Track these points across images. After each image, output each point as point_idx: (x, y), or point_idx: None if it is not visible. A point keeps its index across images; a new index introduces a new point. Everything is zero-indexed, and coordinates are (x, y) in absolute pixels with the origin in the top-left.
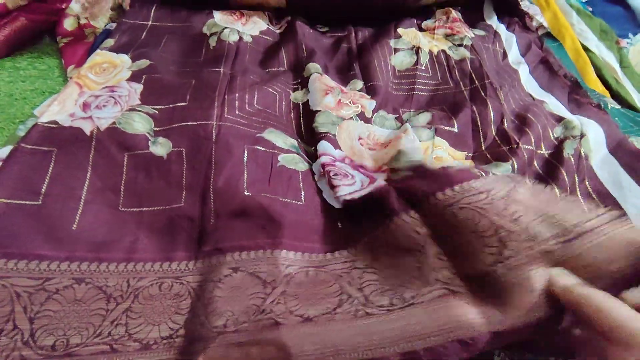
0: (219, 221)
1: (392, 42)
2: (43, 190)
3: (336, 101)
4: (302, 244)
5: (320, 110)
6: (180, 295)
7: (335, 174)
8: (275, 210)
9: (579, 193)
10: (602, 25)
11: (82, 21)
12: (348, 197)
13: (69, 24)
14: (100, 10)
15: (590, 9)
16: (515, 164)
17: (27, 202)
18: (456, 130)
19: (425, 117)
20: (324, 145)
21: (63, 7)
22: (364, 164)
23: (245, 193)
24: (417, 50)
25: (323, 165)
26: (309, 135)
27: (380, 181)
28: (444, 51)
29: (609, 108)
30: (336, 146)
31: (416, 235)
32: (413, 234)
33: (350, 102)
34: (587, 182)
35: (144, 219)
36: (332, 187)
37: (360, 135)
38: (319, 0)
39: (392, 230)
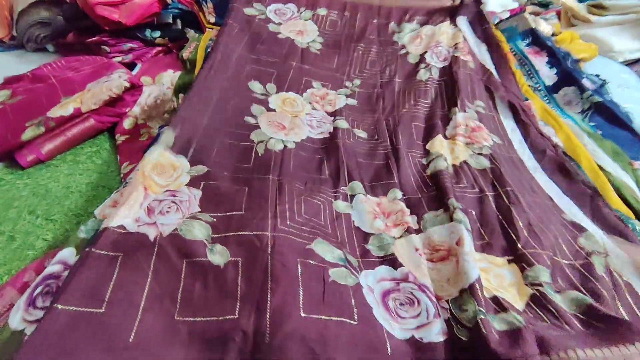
0: (274, 340)
1: (424, 160)
2: (107, 297)
3: (384, 224)
4: None
5: (373, 234)
6: None
7: (401, 304)
8: (330, 334)
9: (621, 309)
10: (613, 147)
11: (140, 122)
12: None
13: (127, 124)
14: (157, 113)
15: (600, 132)
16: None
17: (92, 310)
18: (487, 240)
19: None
20: (381, 271)
21: (126, 110)
22: (426, 283)
23: (302, 314)
24: (445, 158)
25: (383, 295)
26: (357, 250)
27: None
28: (465, 161)
29: (638, 230)
30: (397, 265)
31: None
32: None
33: (395, 223)
34: (628, 298)
35: (197, 329)
36: (398, 316)
37: (417, 246)
38: None
39: None
